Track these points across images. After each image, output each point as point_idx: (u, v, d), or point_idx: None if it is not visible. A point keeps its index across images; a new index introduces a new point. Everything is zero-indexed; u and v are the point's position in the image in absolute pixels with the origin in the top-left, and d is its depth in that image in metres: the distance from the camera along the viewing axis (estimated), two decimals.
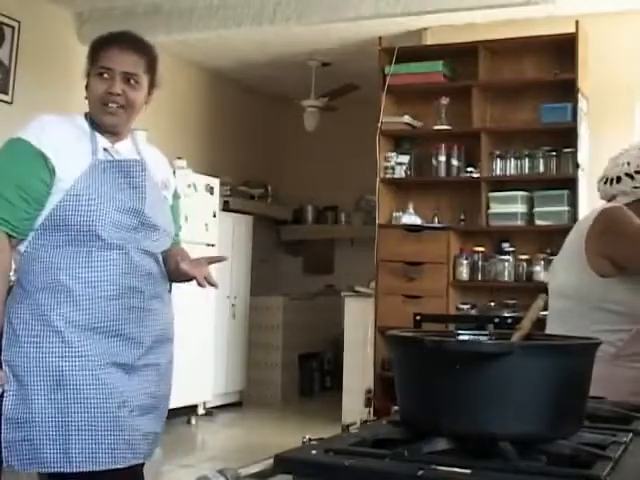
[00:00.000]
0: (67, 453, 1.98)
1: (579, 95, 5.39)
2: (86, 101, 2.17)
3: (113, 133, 2.17)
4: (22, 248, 2.08)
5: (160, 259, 2.22)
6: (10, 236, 2.04)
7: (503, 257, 5.62)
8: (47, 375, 2.00)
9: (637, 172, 2.39)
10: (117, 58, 2.11)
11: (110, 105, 2.11)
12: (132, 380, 2.08)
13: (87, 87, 2.16)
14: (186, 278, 2.18)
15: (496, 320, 3.84)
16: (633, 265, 2.31)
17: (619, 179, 2.42)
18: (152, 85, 2.21)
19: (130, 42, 2.16)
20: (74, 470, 1.99)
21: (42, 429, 1.98)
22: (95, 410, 2.01)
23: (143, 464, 2.19)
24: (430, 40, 6.20)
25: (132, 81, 2.12)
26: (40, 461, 1.99)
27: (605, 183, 2.48)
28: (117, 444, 2.03)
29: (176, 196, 2.37)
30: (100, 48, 2.14)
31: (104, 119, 2.13)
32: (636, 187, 2.39)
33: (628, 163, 2.41)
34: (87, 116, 2.17)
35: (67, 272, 2.04)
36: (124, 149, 2.19)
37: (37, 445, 1.99)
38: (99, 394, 2.02)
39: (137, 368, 2.10)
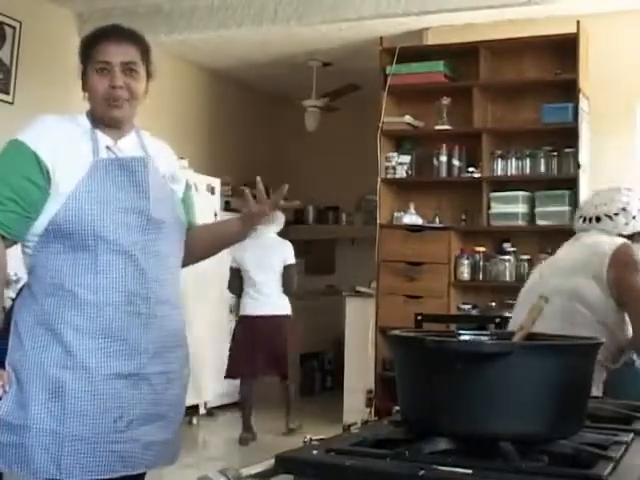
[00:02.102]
0: (58, 462, 1.96)
1: (580, 95, 5.39)
2: (87, 101, 2.15)
3: (116, 128, 2.14)
4: (30, 250, 2.06)
5: (172, 261, 2.17)
6: (3, 237, 2.01)
7: (504, 257, 5.62)
8: (46, 384, 1.98)
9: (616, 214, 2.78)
10: (114, 50, 2.09)
11: (115, 99, 2.08)
12: (135, 390, 2.05)
13: (84, 86, 2.13)
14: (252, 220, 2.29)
15: (497, 320, 3.83)
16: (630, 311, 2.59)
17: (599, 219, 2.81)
18: (148, 75, 2.20)
19: (123, 33, 2.14)
20: (62, 478, 1.97)
21: (36, 436, 1.96)
22: (91, 422, 1.98)
23: (144, 473, 2.17)
24: (431, 40, 6.20)
25: (132, 71, 2.10)
26: (29, 467, 1.98)
27: (585, 221, 2.84)
28: (110, 456, 2.00)
29: (187, 187, 2.35)
30: (94, 43, 2.11)
31: (110, 114, 2.10)
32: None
33: (605, 204, 2.81)
34: (88, 115, 2.15)
35: (73, 278, 2.01)
36: (128, 146, 2.16)
37: (28, 451, 1.97)
38: (96, 407, 1.99)
39: (142, 377, 2.06)
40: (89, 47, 2.12)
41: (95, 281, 2.01)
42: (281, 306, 5.98)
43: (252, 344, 5.86)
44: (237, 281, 6.01)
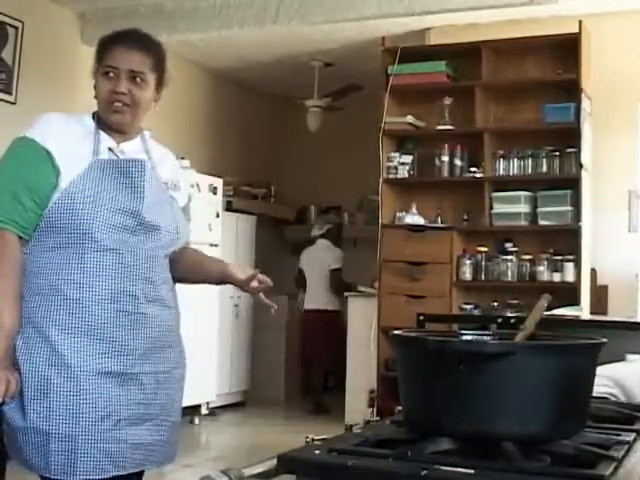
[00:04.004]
0: (47, 460, 1.98)
1: (582, 95, 5.38)
2: (92, 100, 2.16)
3: (120, 132, 2.15)
4: (24, 248, 2.05)
5: (163, 262, 2.17)
6: (20, 237, 2.02)
7: (506, 257, 5.62)
8: (33, 383, 1.98)
9: None
10: (122, 56, 2.10)
11: (116, 104, 2.09)
12: (123, 390, 2.04)
13: (95, 86, 2.14)
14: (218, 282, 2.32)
15: (499, 320, 3.82)
16: None
17: None
18: (160, 84, 2.21)
19: (136, 40, 2.16)
20: (52, 476, 1.99)
21: (25, 434, 1.99)
22: (76, 422, 1.98)
23: (142, 472, 2.17)
24: (433, 40, 6.20)
25: (138, 79, 2.11)
26: (24, 461, 2.02)
27: None
28: (97, 456, 2.00)
29: (186, 207, 2.32)
30: (106, 47, 2.13)
31: (110, 118, 2.12)
32: None
33: None
34: (94, 115, 2.16)
35: (60, 275, 2.01)
36: (131, 149, 2.17)
37: (21, 446, 2.00)
38: (83, 406, 1.99)
39: (130, 376, 2.05)
40: (102, 48, 2.14)
41: (81, 278, 2.01)
42: (327, 302, 7.26)
43: (305, 334, 7.32)
44: (300, 279, 7.40)
